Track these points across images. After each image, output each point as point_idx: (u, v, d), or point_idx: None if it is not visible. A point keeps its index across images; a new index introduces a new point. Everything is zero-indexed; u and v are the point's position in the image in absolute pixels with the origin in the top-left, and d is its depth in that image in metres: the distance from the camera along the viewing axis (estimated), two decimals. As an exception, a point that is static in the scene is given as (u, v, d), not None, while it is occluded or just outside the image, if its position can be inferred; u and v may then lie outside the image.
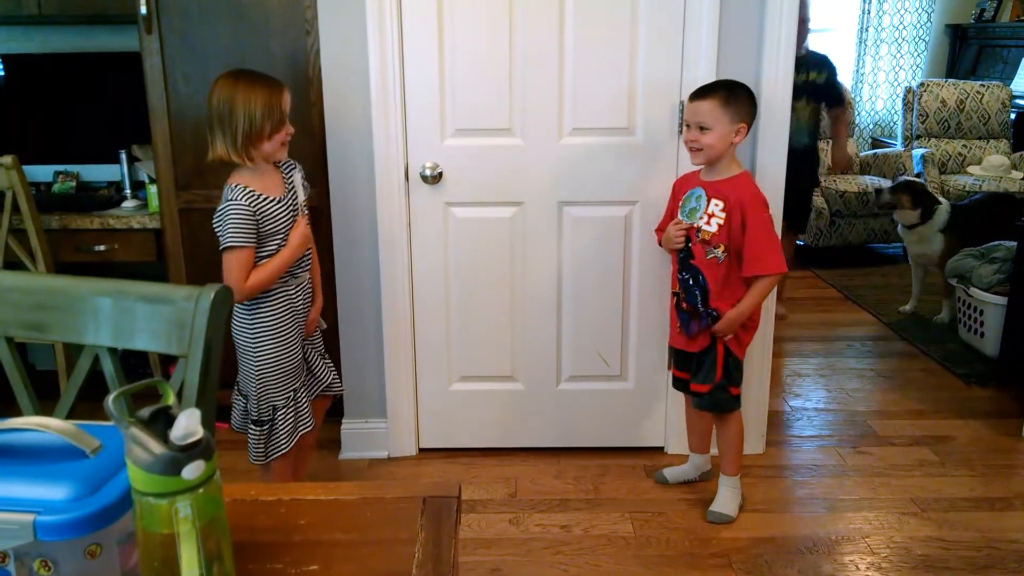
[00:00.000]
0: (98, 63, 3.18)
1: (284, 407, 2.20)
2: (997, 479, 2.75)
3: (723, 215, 2.28)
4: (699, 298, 2.35)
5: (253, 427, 2.21)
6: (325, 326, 2.43)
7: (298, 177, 2.22)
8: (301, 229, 2.18)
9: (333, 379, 2.42)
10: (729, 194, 2.29)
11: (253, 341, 2.16)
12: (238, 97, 2.02)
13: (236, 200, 2.05)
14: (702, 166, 2.36)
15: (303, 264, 2.25)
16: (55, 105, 3.25)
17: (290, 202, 2.17)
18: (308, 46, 2.67)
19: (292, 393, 2.22)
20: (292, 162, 2.23)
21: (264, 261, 2.12)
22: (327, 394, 2.42)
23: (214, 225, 2.09)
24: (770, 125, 2.57)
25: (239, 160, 2.06)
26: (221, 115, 2.03)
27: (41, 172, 3.26)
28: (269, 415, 2.19)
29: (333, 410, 2.91)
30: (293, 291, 2.21)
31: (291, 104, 2.16)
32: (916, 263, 4.35)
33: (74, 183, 3.29)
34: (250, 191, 2.07)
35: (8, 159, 2.62)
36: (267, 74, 2.12)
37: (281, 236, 2.14)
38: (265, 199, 2.09)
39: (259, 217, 2.08)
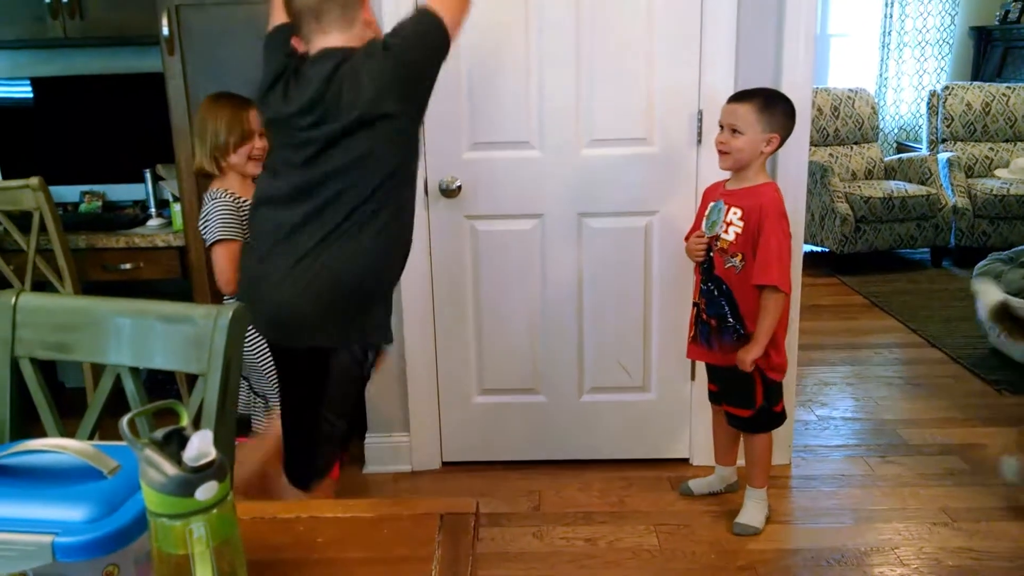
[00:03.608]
0: (122, 84, 3.22)
1: None
2: (1030, 488, 2.70)
3: (741, 223, 2.26)
4: (727, 309, 2.32)
5: (256, 398, 2.33)
6: None
7: None
8: None
9: None
10: (749, 202, 2.27)
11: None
12: (208, 114, 2.25)
13: (220, 199, 2.21)
14: (728, 172, 2.34)
15: None
16: (81, 126, 3.30)
17: None
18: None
19: None
20: None
21: None
22: None
23: (200, 227, 2.25)
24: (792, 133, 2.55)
25: (212, 169, 2.25)
26: (199, 130, 2.27)
27: (68, 192, 3.31)
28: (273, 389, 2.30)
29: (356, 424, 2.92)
30: None
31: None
32: None
33: (100, 203, 3.34)
34: (232, 192, 2.23)
35: (35, 180, 2.66)
36: (240, 95, 2.29)
37: None
38: (243, 200, 2.23)
39: (241, 215, 2.21)
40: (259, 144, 2.27)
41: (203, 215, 2.25)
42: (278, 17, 1.89)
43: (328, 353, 1.81)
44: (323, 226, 1.75)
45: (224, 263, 2.21)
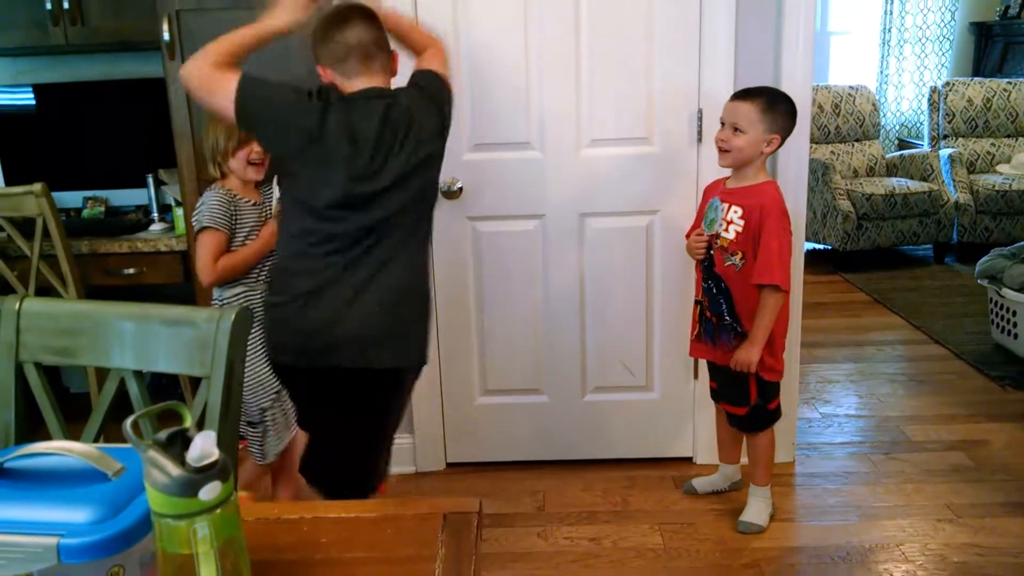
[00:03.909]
0: (124, 90, 3.23)
1: (271, 407, 2.30)
2: (1035, 483, 2.70)
3: (741, 222, 2.26)
4: (724, 307, 2.33)
5: (248, 428, 2.33)
6: None
7: (275, 195, 2.40)
8: (272, 227, 2.34)
9: None
10: (750, 200, 2.27)
11: None
12: (209, 123, 2.31)
13: (215, 191, 2.28)
14: (728, 168, 2.34)
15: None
16: (83, 132, 3.31)
17: (264, 209, 2.36)
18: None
19: (275, 395, 2.30)
20: (271, 186, 2.41)
21: (234, 249, 2.29)
22: None
23: (192, 220, 2.30)
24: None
25: (215, 173, 2.32)
26: (204, 139, 2.34)
27: (71, 198, 3.32)
28: (259, 416, 2.30)
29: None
30: (257, 297, 2.33)
31: None
32: None
33: (103, 208, 3.35)
34: (228, 189, 2.30)
35: (38, 187, 2.67)
36: None
37: (247, 232, 2.31)
38: (240, 199, 2.31)
39: (232, 209, 2.28)
40: (256, 148, 2.31)
41: (197, 206, 2.32)
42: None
43: (405, 372, 1.93)
44: (383, 256, 1.85)
45: (205, 251, 2.26)
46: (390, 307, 1.85)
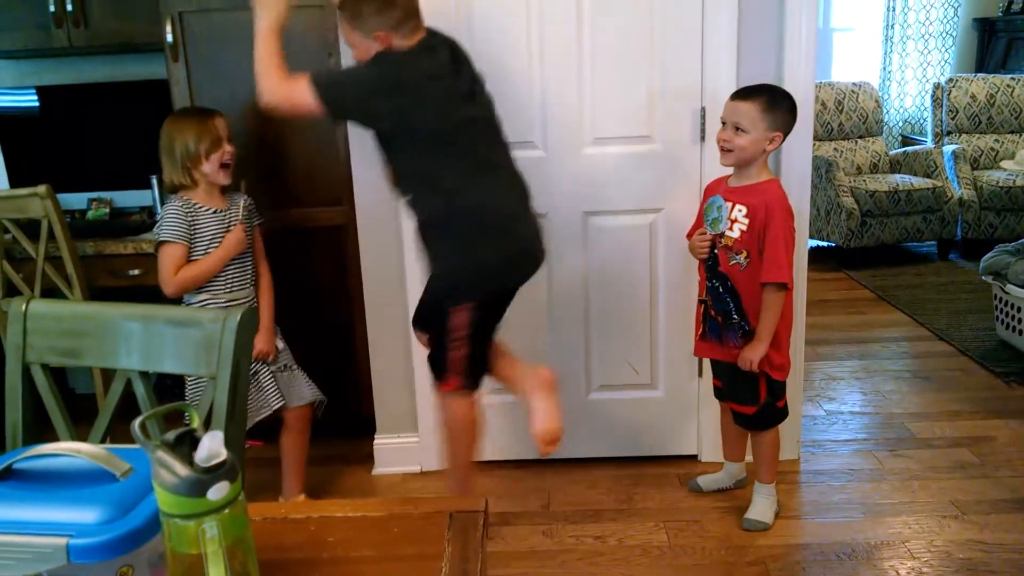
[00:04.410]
0: (127, 92, 3.24)
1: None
2: (1040, 479, 2.70)
3: (746, 221, 2.26)
4: (731, 305, 2.33)
5: None
6: (274, 356, 2.47)
7: (242, 202, 2.45)
8: (237, 234, 2.38)
9: (296, 392, 2.51)
10: (754, 199, 2.27)
11: None
12: (175, 130, 2.34)
13: (174, 203, 2.32)
14: (730, 167, 2.34)
15: (240, 282, 2.41)
16: (87, 134, 3.32)
17: (228, 217, 2.39)
18: (331, 67, 2.70)
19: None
20: (240, 193, 2.46)
21: (196, 259, 2.33)
22: (298, 406, 2.51)
23: (155, 232, 2.35)
24: (794, 129, 2.55)
25: (185, 181, 2.34)
26: (166, 148, 2.35)
27: (75, 200, 3.33)
28: None
29: (365, 426, 2.94)
30: (221, 303, 2.37)
31: (229, 127, 2.41)
32: None
33: (107, 209, 3.36)
34: (187, 199, 2.33)
35: (42, 188, 2.67)
36: (200, 107, 2.44)
37: (208, 240, 2.34)
38: (201, 207, 2.34)
39: (190, 220, 2.32)
40: (228, 149, 2.35)
41: (158, 220, 2.35)
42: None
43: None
44: (509, 167, 2.20)
45: (164, 264, 2.30)
46: (528, 202, 2.22)
